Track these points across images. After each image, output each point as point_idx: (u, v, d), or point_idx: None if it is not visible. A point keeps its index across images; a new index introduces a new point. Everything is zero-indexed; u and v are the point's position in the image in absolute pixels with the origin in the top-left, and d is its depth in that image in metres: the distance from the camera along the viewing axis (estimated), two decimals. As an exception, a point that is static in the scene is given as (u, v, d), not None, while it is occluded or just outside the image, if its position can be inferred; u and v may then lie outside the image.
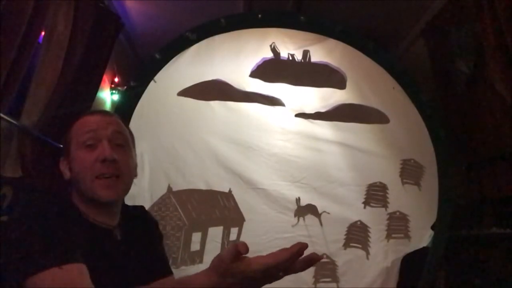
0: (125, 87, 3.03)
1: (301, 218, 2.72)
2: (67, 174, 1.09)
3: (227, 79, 2.81)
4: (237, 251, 0.81)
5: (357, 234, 2.77)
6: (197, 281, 0.88)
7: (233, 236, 2.69)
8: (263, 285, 0.88)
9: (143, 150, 2.56)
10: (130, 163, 1.11)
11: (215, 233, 2.68)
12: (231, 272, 0.83)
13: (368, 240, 2.77)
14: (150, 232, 1.21)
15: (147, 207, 2.59)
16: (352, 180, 2.81)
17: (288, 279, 0.88)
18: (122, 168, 1.06)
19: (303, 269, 0.86)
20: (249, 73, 2.84)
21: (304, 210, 2.73)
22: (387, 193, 2.82)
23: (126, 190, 1.11)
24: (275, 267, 0.82)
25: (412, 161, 2.87)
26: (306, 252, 0.84)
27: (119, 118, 1.17)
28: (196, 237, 2.66)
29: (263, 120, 2.81)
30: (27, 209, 0.99)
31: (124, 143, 1.11)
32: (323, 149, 2.82)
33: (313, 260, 0.85)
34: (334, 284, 2.69)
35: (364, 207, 2.80)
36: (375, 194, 2.82)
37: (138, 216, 1.21)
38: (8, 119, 1.87)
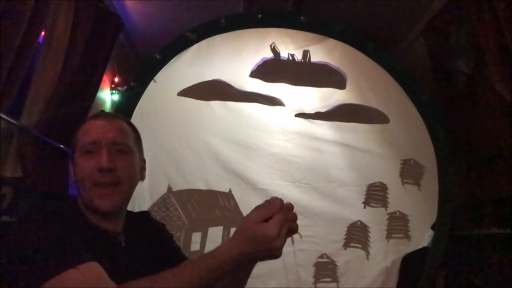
0: (125, 87, 3.03)
1: None
2: (73, 175, 1.08)
3: (227, 79, 2.81)
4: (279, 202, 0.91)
5: (357, 234, 2.77)
6: (222, 253, 0.88)
7: (233, 236, 2.68)
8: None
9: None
10: (131, 170, 1.07)
11: (215, 233, 2.68)
12: (255, 237, 0.86)
13: (368, 240, 2.77)
14: (157, 236, 1.19)
15: (147, 207, 2.60)
16: (352, 180, 2.81)
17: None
18: (121, 176, 1.04)
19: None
20: (249, 73, 2.84)
21: None
22: (387, 193, 2.82)
23: (126, 198, 1.09)
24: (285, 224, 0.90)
25: (412, 161, 2.86)
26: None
27: (125, 121, 1.13)
28: (196, 237, 2.66)
29: (263, 120, 2.81)
30: (33, 214, 0.97)
31: (126, 149, 1.07)
32: (323, 149, 2.82)
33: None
34: (334, 284, 2.69)
35: (364, 207, 2.80)
36: (375, 194, 2.82)
37: (143, 221, 1.20)
38: (8, 119, 1.87)
